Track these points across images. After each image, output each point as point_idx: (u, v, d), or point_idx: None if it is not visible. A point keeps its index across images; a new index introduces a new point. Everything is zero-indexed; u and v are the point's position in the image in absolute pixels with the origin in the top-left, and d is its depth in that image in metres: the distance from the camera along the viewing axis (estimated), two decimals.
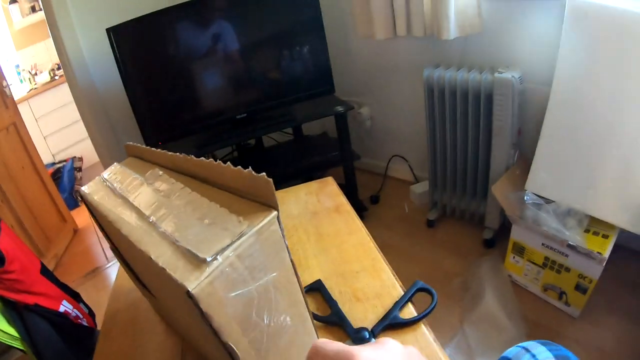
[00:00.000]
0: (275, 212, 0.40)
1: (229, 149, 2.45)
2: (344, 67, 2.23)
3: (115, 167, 0.68)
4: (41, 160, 2.68)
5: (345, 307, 0.67)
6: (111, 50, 1.75)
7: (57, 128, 3.59)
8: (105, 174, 0.66)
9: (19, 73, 3.60)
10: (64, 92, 3.43)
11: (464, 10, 1.55)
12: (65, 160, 3.60)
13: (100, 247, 2.71)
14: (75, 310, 1.45)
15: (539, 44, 1.54)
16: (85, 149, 3.66)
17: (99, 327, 1.59)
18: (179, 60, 1.85)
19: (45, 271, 1.43)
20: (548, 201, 1.43)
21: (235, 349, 0.40)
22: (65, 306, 1.41)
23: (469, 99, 1.61)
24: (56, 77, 3.63)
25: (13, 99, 2.51)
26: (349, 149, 2.00)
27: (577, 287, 1.38)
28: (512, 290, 1.56)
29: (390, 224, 2.11)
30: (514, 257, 1.57)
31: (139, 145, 0.68)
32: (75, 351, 1.42)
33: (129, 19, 1.73)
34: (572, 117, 1.35)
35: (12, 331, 1.32)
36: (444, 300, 1.59)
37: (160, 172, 0.56)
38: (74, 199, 3.41)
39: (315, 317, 0.65)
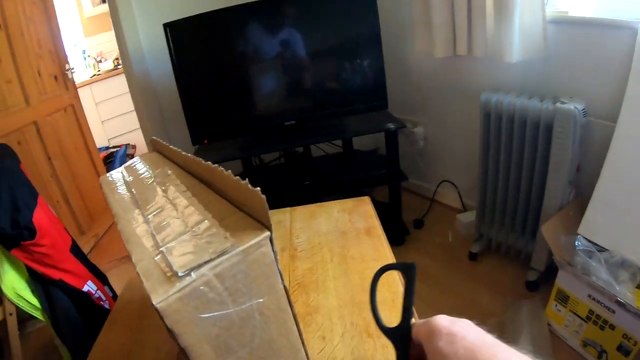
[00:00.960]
0: (267, 233, 0.36)
1: (277, 154, 2.44)
2: (401, 83, 2.18)
3: (135, 160, 0.68)
4: (94, 143, 2.81)
5: (354, 341, 0.62)
6: (164, 43, 1.79)
7: (114, 114, 3.75)
8: (124, 167, 0.67)
9: (85, 58, 3.80)
10: (124, 81, 3.62)
11: (528, 33, 1.46)
12: (119, 146, 3.75)
13: None
14: (99, 291, 1.48)
15: (606, 74, 1.41)
16: (139, 138, 3.79)
17: None
18: (233, 60, 1.87)
19: (75, 250, 1.48)
20: (601, 249, 1.31)
21: None
22: (89, 286, 1.45)
23: (527, 128, 1.51)
24: (119, 67, 3.78)
25: (74, 82, 2.65)
26: (397, 168, 1.94)
27: (620, 348, 1.25)
28: (550, 340, 1.44)
29: (431, 251, 2.03)
30: (556, 305, 1.44)
31: (161, 141, 0.68)
32: (93, 331, 1.45)
33: (189, 14, 1.77)
34: (637, 158, 1.24)
35: (35, 302, 1.37)
36: None
37: (169, 172, 0.54)
38: None
39: None
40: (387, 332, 0.43)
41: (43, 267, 1.33)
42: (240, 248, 0.34)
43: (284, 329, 0.42)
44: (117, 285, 1.74)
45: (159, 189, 0.50)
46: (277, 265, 0.38)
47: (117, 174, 0.64)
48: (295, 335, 0.44)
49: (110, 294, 1.60)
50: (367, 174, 2.05)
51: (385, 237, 0.88)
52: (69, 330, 1.38)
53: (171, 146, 0.61)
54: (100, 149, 3.13)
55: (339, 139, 2.25)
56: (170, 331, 0.33)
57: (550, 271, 1.62)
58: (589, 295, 1.31)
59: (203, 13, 1.76)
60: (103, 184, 0.63)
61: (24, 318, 1.45)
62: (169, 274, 0.33)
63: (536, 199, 1.59)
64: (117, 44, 2.19)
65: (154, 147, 0.72)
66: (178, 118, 2.18)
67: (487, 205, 1.80)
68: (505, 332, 1.49)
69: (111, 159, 3.56)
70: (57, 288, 1.37)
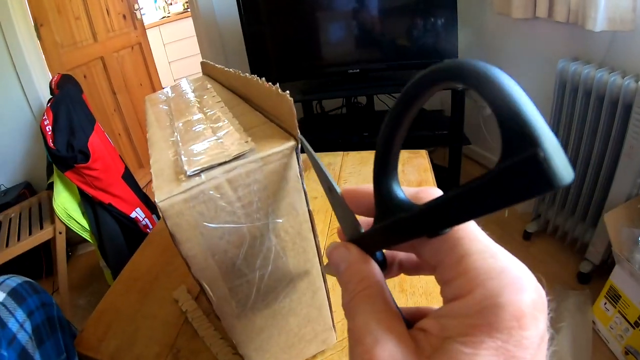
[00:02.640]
0: (292, 143, 0.32)
1: (339, 104, 2.40)
2: (474, 42, 2.06)
3: (182, 81, 0.67)
4: (159, 81, 2.89)
5: None
6: None
7: (181, 56, 3.85)
8: (170, 86, 0.66)
9: (155, 1, 3.88)
10: (192, 25, 3.70)
11: (616, 2, 1.30)
12: None
13: None
14: (146, 219, 1.55)
15: None
16: None
17: None
18: (300, 6, 1.82)
19: (127, 177, 1.54)
20: None
21: (209, 290, 0.34)
22: (137, 213, 1.51)
23: (604, 105, 1.36)
24: (188, 10, 3.84)
25: (142, 22, 2.72)
26: (460, 130, 1.85)
27: None
28: (591, 340, 1.34)
29: (484, 223, 1.91)
30: (605, 304, 1.34)
31: (210, 62, 0.68)
32: None
33: None
34: None
35: (84, 223, 1.46)
36: None
37: (209, 86, 0.52)
38: None
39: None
40: (389, 203, 0.21)
41: (94, 190, 1.40)
42: (259, 155, 0.31)
43: (302, 259, 0.39)
44: None
45: (195, 101, 0.49)
46: (302, 184, 0.34)
47: (162, 92, 0.64)
48: (317, 268, 0.41)
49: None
50: (430, 133, 1.96)
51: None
52: (114, 252, 1.46)
53: (216, 65, 0.59)
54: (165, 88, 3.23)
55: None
56: (172, 236, 0.31)
57: (605, 267, 1.50)
58: None
59: None
60: (147, 101, 0.62)
61: (76, 241, 1.54)
62: (178, 175, 0.31)
63: (603, 185, 1.46)
64: None
65: (204, 70, 0.72)
66: (242, 61, 2.19)
67: None
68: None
69: None
70: (105, 211, 1.44)
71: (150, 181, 1.98)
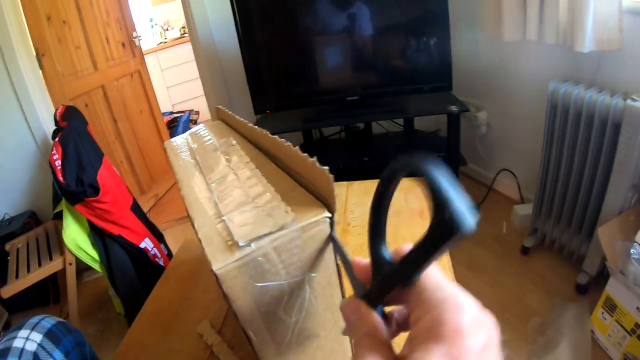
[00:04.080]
0: (327, 213, 0.37)
1: (338, 128, 2.46)
2: (466, 65, 2.12)
3: (200, 127, 0.70)
4: (159, 108, 2.94)
5: None
6: (230, 12, 1.82)
7: (180, 81, 3.90)
8: (189, 133, 0.69)
9: (152, 26, 3.95)
10: (190, 50, 3.73)
11: (603, 22, 1.37)
12: (182, 112, 3.89)
13: None
14: (155, 249, 1.57)
15: None
16: (202, 104, 3.93)
17: None
18: (299, 32, 1.88)
19: (135, 208, 1.57)
20: None
21: (254, 336, 0.39)
22: (146, 243, 1.54)
23: (594, 123, 1.43)
24: (185, 35, 3.91)
25: (141, 49, 2.77)
26: (456, 152, 1.90)
27: None
28: (590, 349, 1.38)
29: (483, 240, 1.99)
30: (602, 313, 1.38)
31: (226, 110, 0.70)
32: (146, 285, 1.54)
33: None
34: None
35: (94, 254, 1.49)
36: (514, 339, 1.48)
37: (234, 142, 0.56)
38: None
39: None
40: (380, 263, 0.29)
41: (104, 223, 1.43)
42: (300, 224, 0.35)
43: (330, 303, 0.44)
44: (173, 244, 1.84)
45: (222, 158, 0.52)
46: (337, 242, 0.39)
47: (181, 140, 0.67)
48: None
49: (166, 252, 1.69)
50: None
51: None
52: (124, 282, 1.48)
53: (236, 116, 0.63)
54: (164, 113, 3.27)
55: (401, 118, 2.23)
56: (225, 296, 0.35)
57: (602, 277, 1.56)
58: (638, 308, 1.24)
59: None
60: (168, 148, 0.66)
61: (82, 268, 1.57)
62: (229, 243, 0.35)
63: (596, 200, 1.52)
64: (184, 12, 2.25)
65: (219, 115, 0.74)
66: (241, 87, 2.23)
67: (546, 199, 1.74)
68: (547, 333, 1.46)
69: (174, 124, 3.70)
70: (115, 243, 1.47)
71: (153, 207, 2.02)
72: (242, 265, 0.34)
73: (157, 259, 1.58)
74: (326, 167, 0.36)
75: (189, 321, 0.74)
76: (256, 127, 0.54)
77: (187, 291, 0.81)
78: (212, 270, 0.33)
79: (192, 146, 0.61)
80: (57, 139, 1.44)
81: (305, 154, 0.40)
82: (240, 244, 0.34)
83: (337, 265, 0.41)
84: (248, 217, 0.38)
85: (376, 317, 0.27)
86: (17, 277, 1.55)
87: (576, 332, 1.42)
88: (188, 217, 0.45)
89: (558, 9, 1.47)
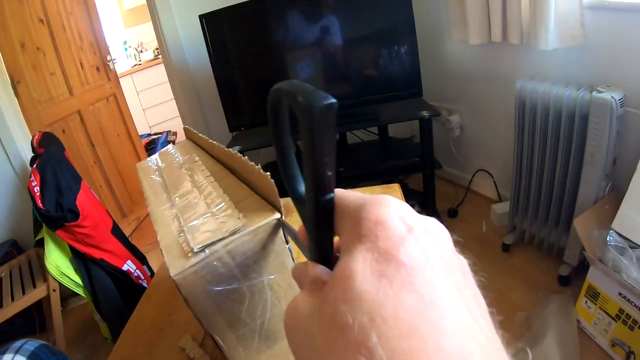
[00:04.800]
0: (277, 215, 0.39)
1: None
2: (437, 71, 2.16)
3: (169, 147, 0.72)
4: (136, 130, 2.93)
5: None
6: (201, 33, 1.84)
7: (155, 102, 3.89)
8: (159, 154, 0.71)
9: (125, 49, 3.95)
10: (164, 71, 3.74)
11: (565, 19, 1.41)
12: (160, 133, 3.88)
13: None
14: (137, 270, 1.56)
15: None
16: (180, 125, 3.93)
17: None
18: (269, 48, 1.91)
19: (116, 231, 1.56)
20: (634, 246, 1.26)
21: (220, 340, 0.40)
22: (128, 265, 1.53)
23: (562, 118, 1.46)
24: (159, 57, 3.90)
25: (115, 72, 2.77)
26: (430, 156, 1.93)
27: None
28: (577, 338, 1.40)
29: (464, 241, 1.98)
30: (586, 302, 1.41)
31: (191, 129, 0.73)
32: (131, 307, 1.53)
33: (225, 5, 1.82)
34: None
35: (77, 279, 1.48)
36: (502, 335, 1.48)
37: (197, 158, 0.58)
38: None
39: None
40: (298, 199, 0.25)
41: (85, 247, 1.42)
42: (251, 228, 0.37)
43: None
44: (156, 265, 1.83)
45: (186, 175, 0.54)
46: (288, 245, 0.41)
47: (152, 161, 0.69)
48: None
49: (149, 274, 1.68)
50: (402, 162, 2.05)
51: None
52: (109, 306, 1.47)
53: (200, 134, 0.65)
54: (142, 135, 3.26)
55: (374, 126, 2.26)
56: (186, 301, 0.37)
57: (583, 266, 1.57)
58: (620, 294, 1.27)
59: (238, 3, 1.81)
60: (139, 169, 0.68)
61: (67, 295, 1.56)
62: (186, 250, 0.37)
63: (571, 192, 1.55)
64: (155, 34, 2.27)
65: (187, 135, 0.77)
66: (216, 105, 2.23)
67: (522, 196, 1.77)
68: (533, 327, 1.47)
69: (153, 146, 3.69)
70: (98, 267, 1.46)
71: (135, 230, 2.01)
72: (198, 270, 0.36)
73: (140, 281, 1.58)
74: (267, 173, 0.38)
75: (172, 336, 0.74)
76: (215, 142, 0.56)
77: (168, 307, 0.82)
78: (170, 276, 0.35)
79: (160, 165, 0.63)
80: (34, 166, 1.44)
81: (253, 163, 0.42)
82: (195, 250, 0.36)
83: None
84: (205, 226, 0.39)
85: (320, 267, 0.23)
86: (0, 306, 1.52)
87: (562, 323, 1.44)
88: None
89: (520, 10, 1.52)
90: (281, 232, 0.40)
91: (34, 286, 1.56)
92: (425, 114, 1.80)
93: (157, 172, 0.61)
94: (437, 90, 2.17)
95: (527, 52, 1.68)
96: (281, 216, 0.39)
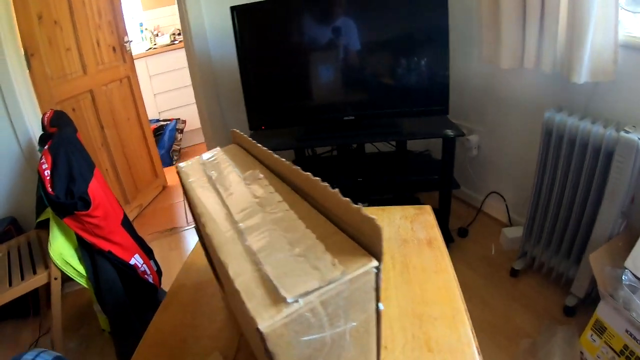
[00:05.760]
0: (376, 263, 0.36)
1: (329, 147, 2.45)
2: (460, 87, 2.14)
3: (217, 152, 0.68)
4: (147, 116, 2.87)
5: (414, 354, 0.62)
6: (227, 25, 1.80)
7: (167, 89, 3.80)
8: (205, 156, 0.66)
9: (141, 31, 3.88)
10: (180, 57, 3.63)
11: (599, 54, 1.41)
12: (169, 120, 3.82)
13: (183, 209, 2.85)
14: (144, 265, 1.52)
15: None
16: (189, 114, 3.86)
17: (164, 288, 1.67)
18: (298, 50, 1.87)
19: (126, 223, 1.52)
20: None
21: None
22: (136, 260, 1.49)
23: (587, 152, 1.46)
24: (175, 42, 3.84)
25: (131, 55, 2.72)
26: (450, 176, 1.91)
27: None
28: None
29: (472, 262, 2.01)
30: (591, 335, 1.41)
31: (245, 135, 0.68)
32: (135, 303, 1.49)
33: None
34: None
35: (80, 269, 1.43)
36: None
37: (261, 175, 0.54)
38: (170, 158, 3.64)
39: None
40: None
41: (93, 238, 1.37)
42: (349, 277, 0.34)
43: (366, 349, 0.42)
44: (159, 258, 1.79)
45: (250, 194, 0.50)
46: (378, 292, 0.38)
47: (197, 165, 0.64)
48: (373, 355, 0.44)
49: (155, 269, 1.63)
50: (420, 178, 2.03)
51: (446, 249, 0.87)
52: (112, 299, 1.42)
53: (257, 144, 0.61)
54: (150, 121, 3.20)
55: (398, 140, 2.23)
56: (267, 351, 0.33)
57: (590, 299, 1.59)
58: (627, 331, 1.27)
59: (270, 0, 1.78)
60: (183, 173, 0.63)
61: (63, 279, 1.51)
62: (274, 297, 0.33)
63: (586, 225, 1.55)
64: (180, 21, 2.21)
65: (235, 139, 0.72)
66: (234, 100, 2.20)
67: (536, 223, 1.76)
68: (538, 354, 1.47)
69: (160, 132, 3.63)
70: (104, 258, 1.41)
71: (136, 218, 1.96)
72: (289, 322, 0.32)
73: (146, 276, 1.53)
74: (374, 217, 0.35)
75: (197, 352, 0.70)
76: (284, 160, 0.52)
77: (191, 319, 0.78)
78: (256, 328, 0.32)
79: (211, 174, 0.59)
80: (46, 147, 1.38)
81: (348, 199, 0.38)
82: (289, 300, 0.32)
83: (378, 313, 0.40)
84: (290, 267, 0.36)
85: None
86: None
87: (566, 353, 1.44)
88: (208, 255, 0.43)
89: (556, 39, 1.50)
90: (374, 280, 0.37)
91: (34, 272, 1.50)
92: (450, 133, 1.78)
93: (209, 183, 0.57)
94: (458, 107, 2.14)
95: (557, 82, 1.67)
96: (380, 264, 0.36)
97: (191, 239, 2.52)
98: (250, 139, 0.65)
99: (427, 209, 1.04)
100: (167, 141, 3.64)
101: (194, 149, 4.03)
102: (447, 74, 1.79)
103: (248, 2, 1.79)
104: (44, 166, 1.34)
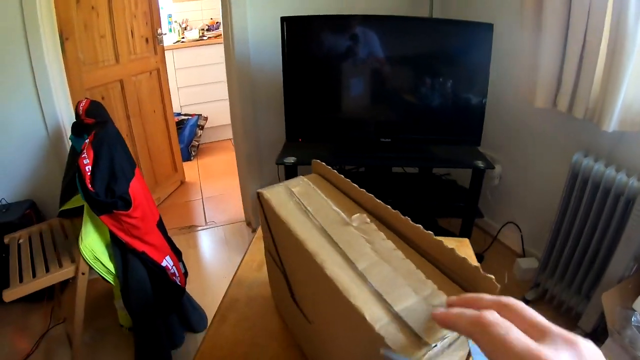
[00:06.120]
0: None
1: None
2: (490, 116, 2.14)
3: (303, 183, 0.68)
4: (172, 109, 2.87)
5: None
6: (270, 33, 1.87)
7: (191, 83, 3.79)
8: (293, 188, 0.66)
9: (169, 22, 3.87)
10: (208, 54, 3.69)
11: (630, 104, 1.46)
12: (191, 115, 3.80)
13: (202, 208, 2.86)
14: (174, 267, 1.51)
15: None
16: (211, 111, 3.88)
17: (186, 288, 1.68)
18: (342, 68, 1.89)
19: (160, 224, 1.51)
20: None
21: None
22: (167, 261, 1.48)
23: (608, 197, 1.54)
24: (204, 38, 3.84)
25: (163, 47, 2.72)
26: (475, 205, 1.94)
27: None
28: None
29: None
30: None
31: (330, 168, 0.68)
32: (160, 304, 1.48)
33: (296, 9, 1.83)
34: None
35: (110, 266, 1.41)
36: None
37: (368, 220, 0.55)
38: (188, 152, 3.64)
39: None
40: None
41: (129, 238, 1.36)
42: None
43: None
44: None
45: (362, 239, 0.52)
46: None
47: (285, 196, 0.64)
48: None
49: (183, 271, 1.63)
50: (445, 204, 2.07)
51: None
52: (139, 299, 1.40)
53: (348, 180, 0.62)
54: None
55: (432, 167, 2.27)
56: None
57: (595, 335, 1.64)
58: None
59: (322, 15, 1.81)
60: (269, 201, 0.62)
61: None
62: (415, 341, 0.37)
63: (600, 265, 1.62)
64: (222, 23, 2.17)
65: (316, 169, 0.72)
66: (269, 107, 2.22)
67: (553, 257, 1.83)
68: None
69: (181, 126, 3.62)
70: (137, 259, 1.40)
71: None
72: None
73: (174, 278, 1.52)
74: (491, 276, 0.41)
75: None
76: (380, 202, 0.54)
77: (251, 336, 0.76)
78: None
79: (307, 209, 0.59)
80: (88, 142, 1.36)
81: (464, 257, 0.43)
82: (433, 345, 0.37)
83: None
84: (423, 314, 0.40)
85: None
86: (21, 280, 1.42)
87: None
88: (333, 294, 0.46)
89: (591, 86, 1.55)
90: None
91: (60, 264, 1.48)
92: (480, 164, 1.82)
93: (309, 218, 0.57)
94: (485, 135, 2.17)
95: (587, 126, 1.71)
96: None
97: (209, 239, 2.53)
98: (334, 171, 0.66)
99: (466, 242, 1.05)
100: (187, 136, 3.64)
101: (213, 146, 4.04)
102: (484, 107, 1.83)
103: (292, 10, 1.82)
104: (85, 161, 1.31)
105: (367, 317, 0.40)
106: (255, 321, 0.80)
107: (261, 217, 0.70)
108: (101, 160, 1.33)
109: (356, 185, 0.61)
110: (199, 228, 2.60)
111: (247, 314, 0.82)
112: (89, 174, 1.30)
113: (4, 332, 1.84)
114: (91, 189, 1.28)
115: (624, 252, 1.49)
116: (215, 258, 2.37)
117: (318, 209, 0.59)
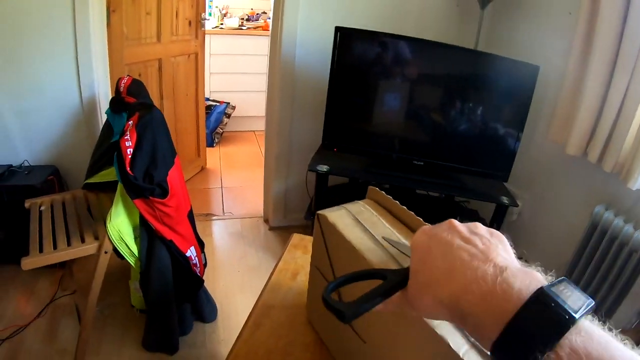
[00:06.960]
0: None
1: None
2: (524, 162, 2.18)
3: (364, 209, 0.68)
4: (204, 95, 2.87)
5: None
6: (318, 38, 1.90)
7: (223, 71, 3.79)
8: (357, 215, 0.66)
9: (209, 6, 3.86)
10: (244, 44, 3.70)
11: None
12: (219, 102, 3.80)
13: (220, 197, 2.87)
14: (196, 258, 1.52)
15: None
16: (239, 101, 3.89)
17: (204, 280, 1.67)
18: (388, 86, 1.92)
19: (190, 215, 1.51)
20: None
21: None
22: (191, 252, 1.48)
23: (623, 252, 1.57)
24: (243, 27, 3.83)
25: (204, 32, 2.72)
26: None
27: None
28: None
29: None
30: None
31: (388, 197, 0.69)
32: (178, 293, 1.49)
33: (344, 17, 1.88)
34: None
35: (134, 249, 1.42)
36: None
37: None
38: (211, 139, 3.64)
39: None
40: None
41: (160, 225, 1.36)
42: None
43: None
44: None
45: None
46: None
47: (348, 219, 0.64)
48: None
49: (204, 262, 1.63)
50: None
51: None
52: (159, 285, 1.41)
53: (399, 204, 0.64)
54: None
55: (460, 196, 2.27)
56: None
57: None
58: None
59: (376, 31, 1.82)
60: (331, 224, 0.64)
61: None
62: None
63: (603, 315, 1.61)
64: (272, 16, 2.16)
65: (371, 195, 0.73)
66: (307, 112, 2.23)
67: None
68: None
69: (208, 112, 3.61)
70: (163, 246, 1.40)
71: None
72: None
73: (195, 268, 1.53)
74: None
75: None
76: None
77: (285, 345, 0.77)
78: None
79: (381, 241, 0.59)
80: (132, 123, 1.35)
81: None
82: None
83: None
84: None
85: None
86: (41, 250, 1.38)
87: None
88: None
89: (624, 142, 1.56)
90: None
91: (82, 239, 1.44)
92: (505, 200, 1.84)
93: (379, 246, 0.59)
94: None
95: (613, 181, 1.72)
96: None
97: (225, 230, 2.53)
98: (391, 198, 0.68)
99: None
100: (212, 122, 3.64)
101: (236, 135, 4.04)
102: (517, 146, 1.85)
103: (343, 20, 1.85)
104: (127, 143, 1.30)
105: (452, 345, 0.45)
106: (289, 330, 0.81)
107: (317, 236, 0.71)
108: (144, 145, 1.32)
109: (413, 213, 0.63)
110: (216, 217, 2.61)
111: (282, 322, 0.83)
112: (129, 156, 1.30)
113: (12, 293, 1.83)
114: (130, 172, 1.28)
115: (630, 305, 1.55)
116: (230, 250, 2.36)
117: (383, 235, 0.61)
